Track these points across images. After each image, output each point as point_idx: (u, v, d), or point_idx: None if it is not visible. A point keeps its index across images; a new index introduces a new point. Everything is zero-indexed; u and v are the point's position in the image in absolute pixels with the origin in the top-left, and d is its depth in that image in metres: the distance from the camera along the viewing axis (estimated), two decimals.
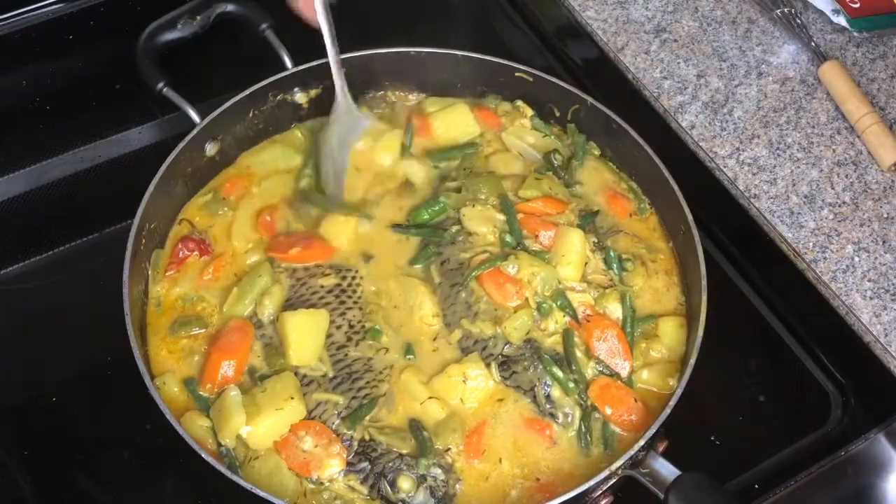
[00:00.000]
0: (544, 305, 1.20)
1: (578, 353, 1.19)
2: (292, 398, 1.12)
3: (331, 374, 1.17)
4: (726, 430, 1.25)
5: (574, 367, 1.17)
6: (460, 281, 1.23)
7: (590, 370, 1.18)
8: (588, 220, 1.29)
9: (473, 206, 1.29)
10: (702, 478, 1.04)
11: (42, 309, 1.33)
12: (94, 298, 1.23)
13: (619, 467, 1.07)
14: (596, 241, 1.27)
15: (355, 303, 1.22)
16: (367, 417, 1.14)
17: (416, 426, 1.14)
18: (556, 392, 1.16)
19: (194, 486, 1.19)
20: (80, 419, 1.23)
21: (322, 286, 1.22)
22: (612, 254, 1.26)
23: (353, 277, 1.24)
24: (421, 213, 1.30)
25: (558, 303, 1.20)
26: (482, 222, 1.27)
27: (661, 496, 1.05)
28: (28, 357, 1.28)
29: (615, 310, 1.22)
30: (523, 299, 1.21)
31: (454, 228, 1.28)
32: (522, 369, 1.18)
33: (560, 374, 1.17)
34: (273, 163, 1.36)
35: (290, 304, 1.21)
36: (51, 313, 1.32)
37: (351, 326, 1.20)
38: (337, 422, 1.13)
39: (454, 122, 1.38)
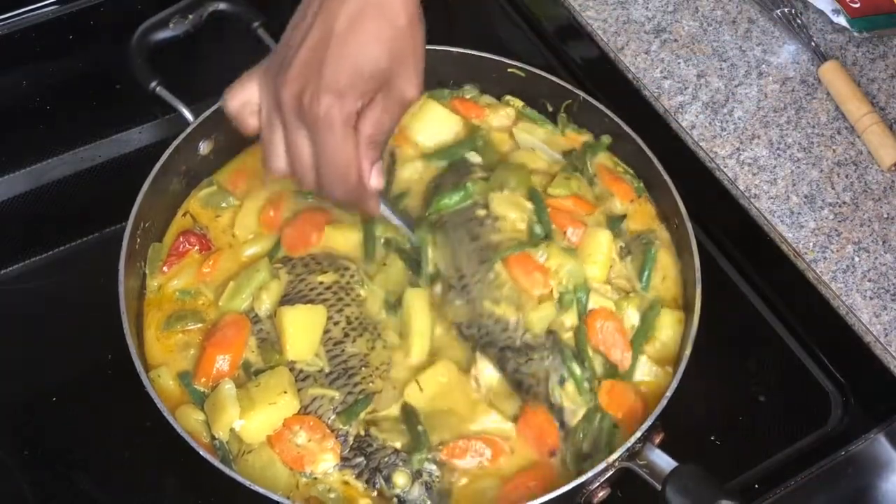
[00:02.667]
0: (567, 296, 1.19)
1: (590, 352, 1.18)
2: (286, 393, 1.12)
3: (327, 370, 1.16)
4: (726, 430, 1.25)
5: (587, 365, 1.16)
6: (490, 258, 1.21)
7: (598, 367, 1.17)
8: (616, 223, 1.28)
9: (502, 191, 1.27)
10: (698, 469, 1.04)
11: (42, 309, 1.33)
12: (94, 298, 1.23)
13: (617, 459, 1.07)
14: (623, 245, 1.26)
15: (353, 300, 1.22)
16: (363, 413, 1.14)
17: (410, 414, 1.14)
18: (570, 387, 1.15)
19: (194, 486, 1.19)
20: (80, 419, 1.23)
21: (321, 282, 1.22)
22: (650, 261, 1.25)
23: (353, 275, 1.24)
24: (443, 199, 1.27)
25: (579, 296, 1.19)
26: (512, 208, 1.25)
27: (658, 487, 1.05)
28: (28, 357, 1.28)
29: (632, 316, 1.21)
30: (549, 289, 1.20)
31: (482, 212, 1.26)
32: (540, 358, 1.16)
33: (578, 371, 1.15)
34: None
35: (287, 300, 1.20)
36: (51, 313, 1.32)
37: (349, 322, 1.20)
38: (332, 417, 1.13)
39: (430, 121, 1.36)
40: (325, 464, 1.11)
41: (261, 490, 1.03)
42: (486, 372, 1.17)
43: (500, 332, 1.18)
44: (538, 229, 1.24)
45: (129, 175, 1.23)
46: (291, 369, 1.15)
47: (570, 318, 1.19)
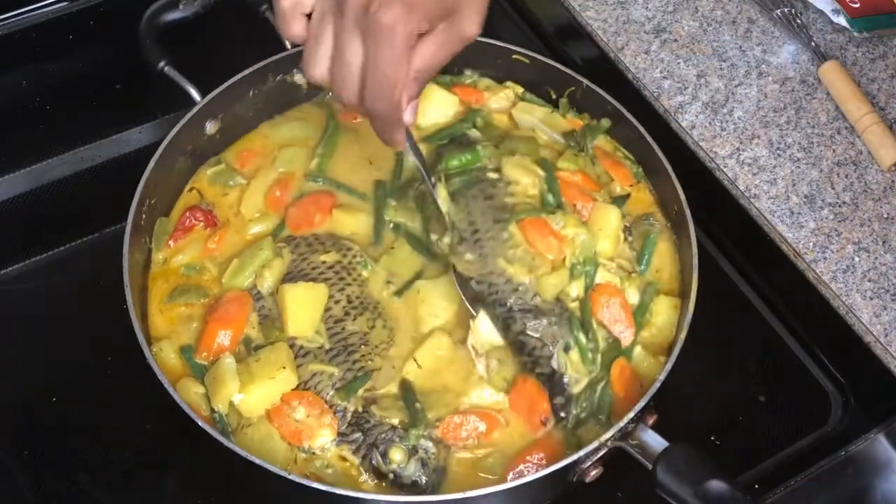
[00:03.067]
0: (578, 268, 1.20)
1: (594, 324, 1.18)
2: (284, 368, 1.12)
3: (327, 346, 1.17)
4: (726, 430, 1.26)
5: (590, 336, 1.17)
6: (504, 218, 1.21)
7: (601, 341, 1.17)
8: (619, 203, 1.29)
9: (513, 155, 1.28)
10: (689, 449, 1.05)
11: (42, 309, 1.33)
12: (95, 298, 1.23)
13: (609, 438, 1.07)
14: (626, 226, 1.27)
15: (354, 280, 1.23)
16: (362, 389, 1.15)
17: (407, 390, 1.15)
18: (574, 356, 1.16)
19: (195, 486, 1.19)
20: (80, 419, 1.23)
21: (323, 262, 1.23)
22: (651, 245, 1.26)
23: (355, 256, 1.24)
24: (452, 160, 1.26)
25: (587, 270, 1.20)
26: (524, 173, 1.26)
27: (650, 467, 1.05)
28: (28, 357, 1.28)
29: (632, 296, 1.22)
30: (562, 256, 1.20)
31: (493, 175, 1.26)
32: (548, 323, 1.17)
33: (584, 340, 1.16)
34: (292, 137, 1.36)
35: (290, 278, 1.21)
36: (51, 313, 1.32)
37: (349, 302, 1.21)
38: (331, 392, 1.14)
39: (429, 102, 1.36)
40: (323, 438, 1.11)
41: (258, 461, 1.03)
42: (483, 328, 1.17)
43: (510, 291, 1.19)
44: (550, 198, 1.25)
45: (129, 175, 1.23)
46: (292, 345, 1.16)
47: (575, 289, 1.19)
